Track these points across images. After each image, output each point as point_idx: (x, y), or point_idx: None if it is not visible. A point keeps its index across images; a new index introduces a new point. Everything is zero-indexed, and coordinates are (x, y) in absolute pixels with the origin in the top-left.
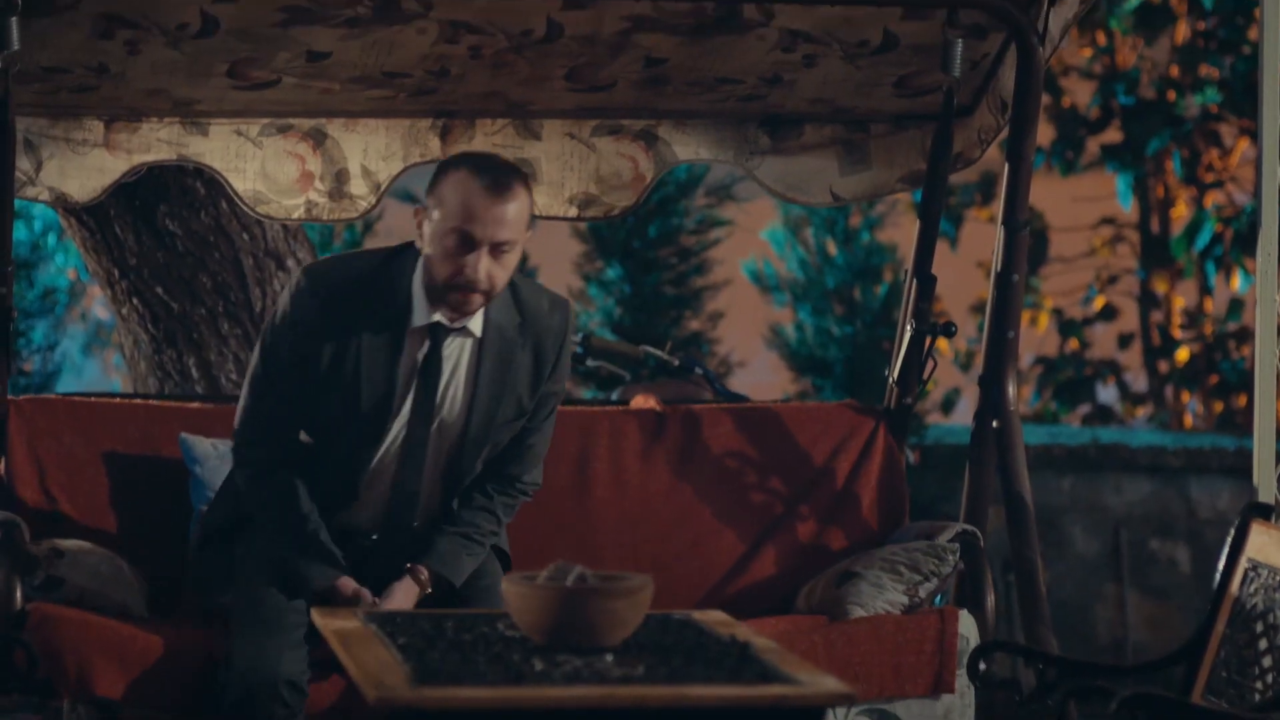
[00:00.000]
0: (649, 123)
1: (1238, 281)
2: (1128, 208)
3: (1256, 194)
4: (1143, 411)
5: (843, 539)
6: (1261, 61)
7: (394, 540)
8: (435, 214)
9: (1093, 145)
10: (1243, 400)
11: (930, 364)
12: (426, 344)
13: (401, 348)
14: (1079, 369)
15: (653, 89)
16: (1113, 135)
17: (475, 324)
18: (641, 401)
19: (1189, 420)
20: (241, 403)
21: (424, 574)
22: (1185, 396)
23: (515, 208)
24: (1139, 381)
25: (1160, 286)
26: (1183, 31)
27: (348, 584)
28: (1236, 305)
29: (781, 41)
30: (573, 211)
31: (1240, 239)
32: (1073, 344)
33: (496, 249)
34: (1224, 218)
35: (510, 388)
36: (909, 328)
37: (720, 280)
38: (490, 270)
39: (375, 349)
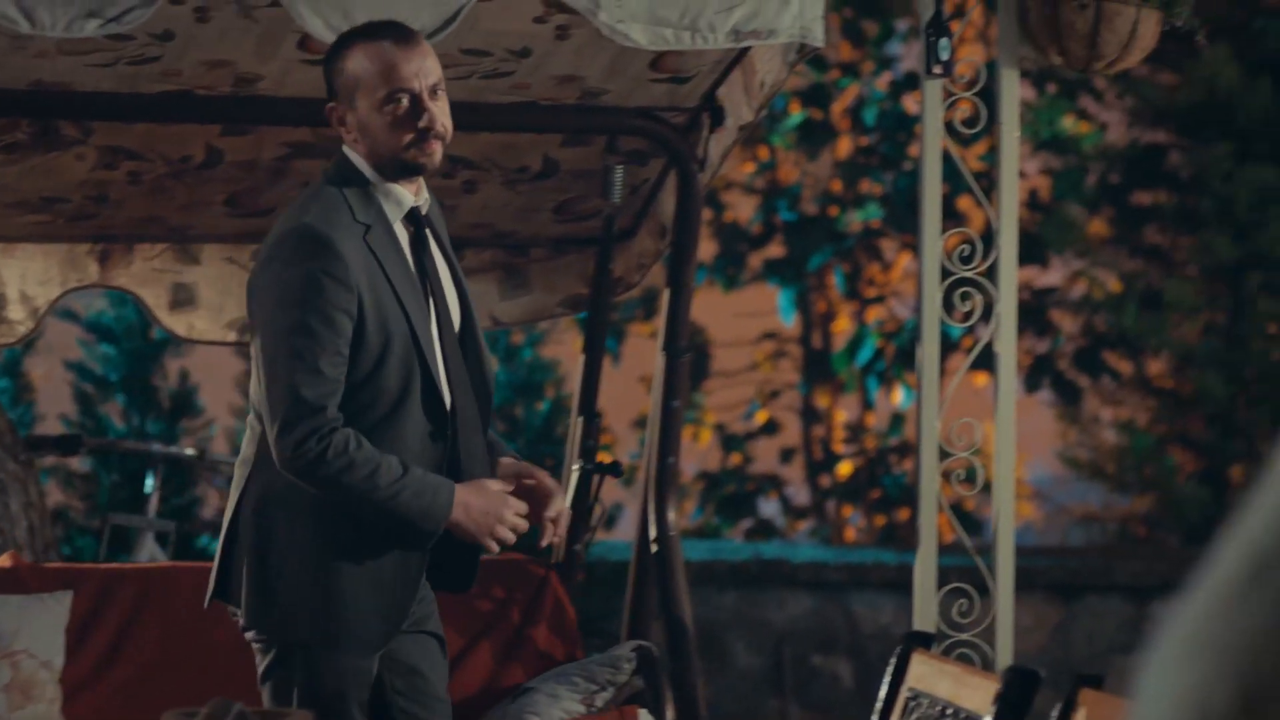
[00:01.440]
0: None
1: (899, 396)
2: (790, 322)
3: (918, 309)
4: (804, 525)
5: (521, 676)
6: (922, 177)
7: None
8: (357, 97)
9: (755, 260)
10: (904, 514)
11: (598, 510)
12: (411, 230)
13: (400, 245)
14: (741, 484)
15: None
16: (775, 250)
17: (428, 204)
18: None
19: (851, 534)
20: (286, 395)
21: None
22: (847, 511)
23: (426, 47)
24: (801, 496)
25: (822, 401)
26: (844, 147)
27: (465, 490)
28: (898, 420)
29: (442, 167)
30: (231, 336)
31: (901, 354)
32: (735, 459)
33: (432, 92)
34: (885, 333)
35: (456, 261)
36: (575, 468)
37: None
38: (438, 114)
39: (389, 255)
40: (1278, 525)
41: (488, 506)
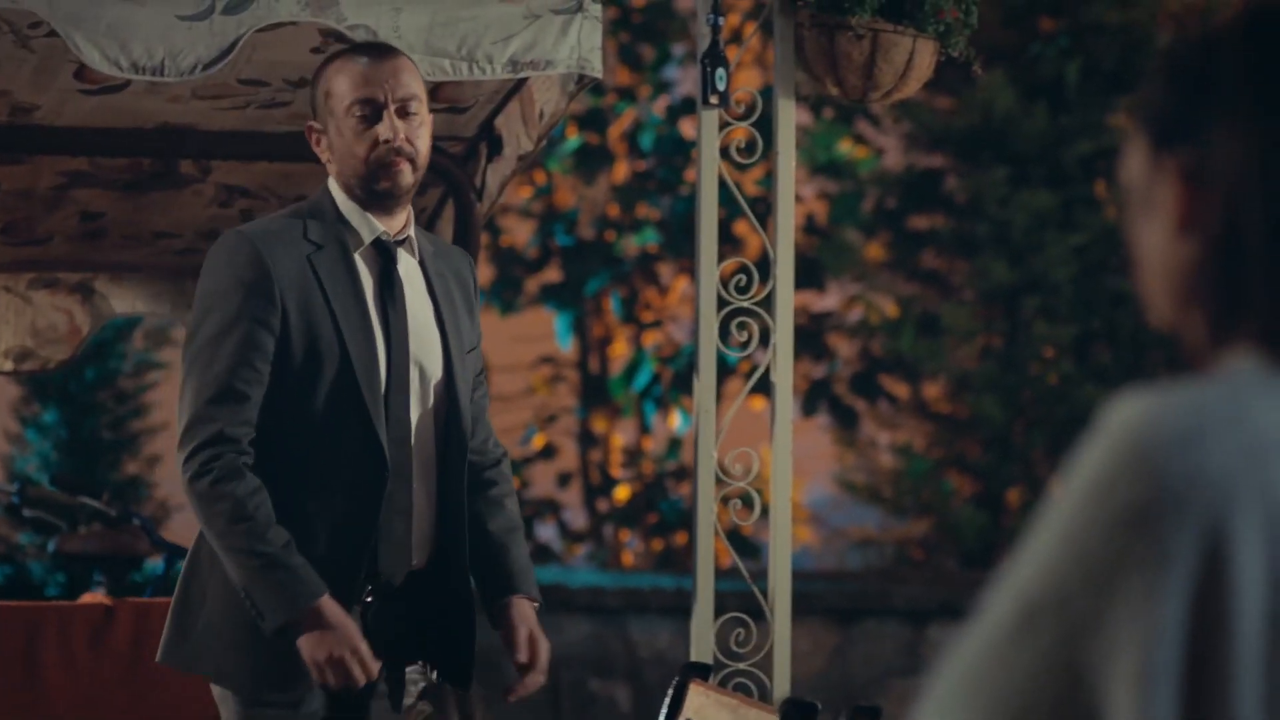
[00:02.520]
0: (85, 276)
1: (676, 421)
2: (567, 347)
3: (695, 334)
4: (582, 550)
5: None
6: (698, 208)
7: (444, 556)
8: (329, 112)
9: (532, 284)
10: (681, 539)
11: None
12: (379, 262)
13: (358, 273)
14: (520, 508)
15: (89, 243)
16: (552, 274)
17: (413, 242)
18: (90, 597)
19: (629, 558)
20: (189, 406)
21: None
22: (624, 535)
23: (405, 64)
24: (578, 520)
25: (599, 425)
26: (621, 172)
27: (333, 607)
28: (675, 444)
29: (219, 196)
30: (9, 365)
31: (679, 378)
32: (513, 482)
33: (403, 109)
34: (662, 357)
35: (460, 309)
36: None
37: (158, 423)
38: (405, 131)
39: (336, 280)
40: (1047, 574)
41: (332, 642)
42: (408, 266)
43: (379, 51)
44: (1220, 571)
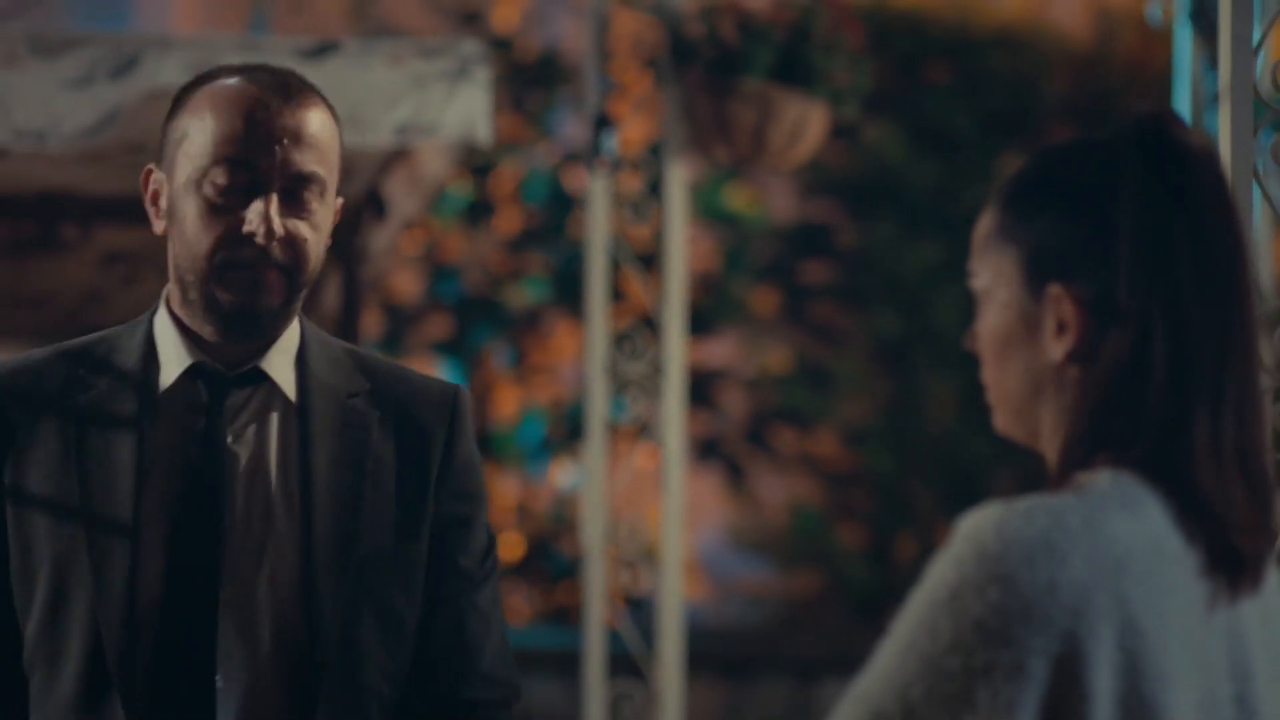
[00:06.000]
0: None
1: (565, 475)
2: None
3: (584, 400)
4: None
5: None
6: (588, 268)
7: None
8: (179, 156)
9: (418, 337)
10: (565, 595)
11: None
12: (194, 407)
13: (146, 431)
14: None
15: None
16: (439, 327)
17: (282, 377)
18: None
19: (524, 613)
20: None
21: None
22: (514, 590)
23: (319, 120)
24: None
25: (489, 479)
26: (509, 223)
27: None
28: (564, 499)
29: (100, 261)
30: None
31: (568, 432)
32: None
33: (294, 188)
34: (551, 411)
35: (374, 484)
36: None
37: None
38: (287, 223)
39: (100, 439)
40: (894, 684)
41: None
42: (254, 414)
43: (283, 84)
44: (1074, 682)
